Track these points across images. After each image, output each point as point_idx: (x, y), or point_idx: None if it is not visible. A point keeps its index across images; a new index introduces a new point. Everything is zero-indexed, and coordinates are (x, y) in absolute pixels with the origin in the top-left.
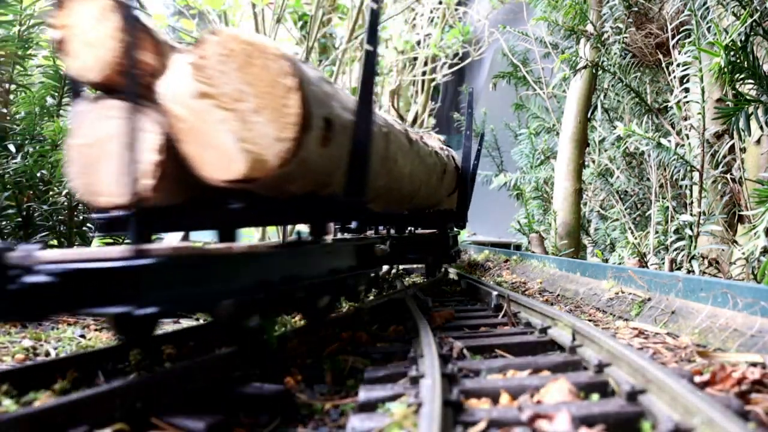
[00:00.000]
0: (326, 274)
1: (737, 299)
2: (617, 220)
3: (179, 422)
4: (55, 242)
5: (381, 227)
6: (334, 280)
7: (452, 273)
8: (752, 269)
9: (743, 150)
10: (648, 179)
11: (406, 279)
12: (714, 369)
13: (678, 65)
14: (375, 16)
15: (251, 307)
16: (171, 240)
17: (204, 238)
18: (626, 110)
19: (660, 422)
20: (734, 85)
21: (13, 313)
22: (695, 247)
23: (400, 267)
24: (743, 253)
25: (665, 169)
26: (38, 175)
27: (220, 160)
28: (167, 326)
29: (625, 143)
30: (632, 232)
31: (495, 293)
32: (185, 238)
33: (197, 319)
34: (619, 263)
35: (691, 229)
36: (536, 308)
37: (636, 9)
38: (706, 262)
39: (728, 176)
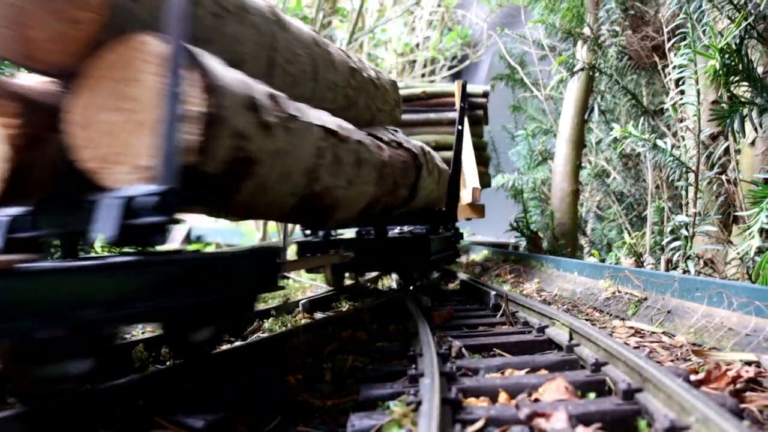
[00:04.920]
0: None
1: (732, 299)
2: (614, 220)
3: (181, 420)
4: (57, 242)
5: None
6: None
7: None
8: (747, 269)
9: (738, 151)
10: (644, 180)
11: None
12: (709, 368)
13: (674, 68)
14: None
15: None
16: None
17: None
18: (623, 112)
19: (656, 420)
20: (729, 87)
21: None
22: (691, 247)
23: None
24: (738, 253)
25: (661, 171)
26: None
27: None
28: None
29: (621, 145)
30: (629, 233)
31: (493, 293)
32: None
33: None
34: (616, 263)
35: (687, 229)
36: (534, 308)
37: (632, 12)
38: (701, 262)
39: (723, 177)
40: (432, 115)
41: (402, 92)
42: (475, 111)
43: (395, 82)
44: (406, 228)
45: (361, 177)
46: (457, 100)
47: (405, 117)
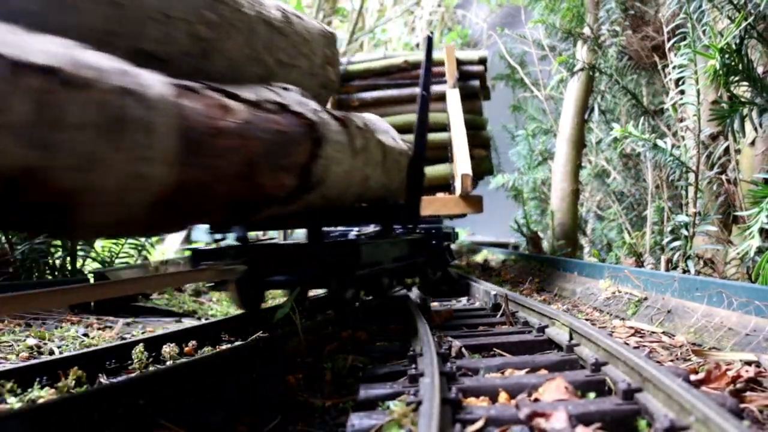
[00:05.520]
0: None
1: (732, 299)
2: (614, 220)
3: (182, 419)
4: (58, 242)
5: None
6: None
7: (452, 273)
8: (747, 269)
9: (738, 151)
10: (644, 180)
11: (406, 279)
12: (709, 367)
13: (674, 68)
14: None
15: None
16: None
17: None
18: (623, 112)
19: (656, 420)
20: (729, 87)
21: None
22: (691, 247)
23: None
24: (738, 253)
25: (661, 170)
26: None
27: None
28: (169, 325)
29: (621, 144)
30: (629, 233)
31: (493, 293)
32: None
33: (199, 318)
34: (616, 263)
35: (687, 229)
36: (534, 307)
37: (632, 12)
38: (701, 261)
39: (723, 177)
40: (418, 90)
41: (380, 63)
42: (468, 81)
43: (332, 34)
44: (371, 228)
45: (125, 151)
46: (444, 65)
47: (385, 93)
